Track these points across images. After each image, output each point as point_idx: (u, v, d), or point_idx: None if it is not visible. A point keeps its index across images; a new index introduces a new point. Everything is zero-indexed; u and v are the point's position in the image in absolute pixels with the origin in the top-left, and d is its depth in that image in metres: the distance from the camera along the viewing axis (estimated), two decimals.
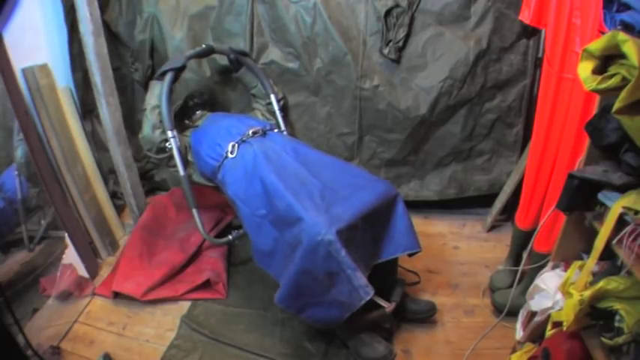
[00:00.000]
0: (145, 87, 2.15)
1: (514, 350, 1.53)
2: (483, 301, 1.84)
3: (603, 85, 0.96)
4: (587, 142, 1.19)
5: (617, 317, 1.05)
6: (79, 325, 1.75)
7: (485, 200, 2.29)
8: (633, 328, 1.01)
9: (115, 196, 2.32)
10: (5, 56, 1.60)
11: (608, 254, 1.11)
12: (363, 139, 2.22)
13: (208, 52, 1.94)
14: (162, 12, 2.12)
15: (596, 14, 1.27)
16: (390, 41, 1.98)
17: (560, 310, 1.22)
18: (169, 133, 1.79)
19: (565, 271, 1.32)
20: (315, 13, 2.00)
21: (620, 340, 1.03)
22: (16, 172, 1.76)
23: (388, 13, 1.95)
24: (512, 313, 1.59)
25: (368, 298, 1.38)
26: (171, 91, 1.81)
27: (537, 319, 1.39)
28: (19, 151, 1.75)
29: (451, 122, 2.13)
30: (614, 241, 1.04)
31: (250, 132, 1.74)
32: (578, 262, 1.25)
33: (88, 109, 2.19)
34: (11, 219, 1.79)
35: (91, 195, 2.08)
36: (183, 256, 1.95)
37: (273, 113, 2.06)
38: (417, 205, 2.28)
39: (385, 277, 1.62)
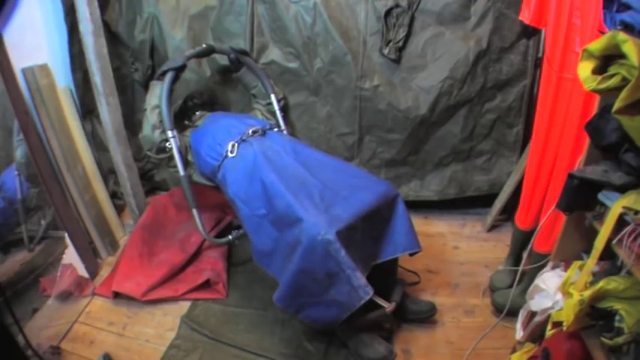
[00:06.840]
0: (145, 87, 2.16)
1: (514, 350, 1.53)
2: (483, 301, 1.84)
3: (603, 85, 0.96)
4: (587, 142, 1.18)
5: (617, 317, 1.05)
6: (79, 325, 1.75)
7: (485, 200, 2.29)
8: (633, 328, 1.01)
9: (115, 196, 2.32)
10: (5, 56, 1.60)
11: (608, 254, 1.11)
12: (363, 139, 2.22)
13: (209, 51, 1.95)
14: (163, 12, 2.12)
15: (596, 14, 1.27)
16: (390, 41, 1.98)
17: (560, 310, 1.22)
18: (169, 133, 1.79)
19: (565, 271, 1.32)
20: (315, 13, 2.00)
21: (620, 340, 1.03)
22: (16, 172, 1.76)
23: (388, 13, 1.95)
24: (512, 313, 1.58)
25: (367, 298, 1.38)
26: (171, 91, 1.82)
27: (537, 319, 1.39)
28: (19, 151, 1.75)
29: (451, 122, 2.13)
30: (614, 241, 1.04)
31: (250, 131, 1.74)
32: (578, 262, 1.25)
33: (88, 109, 2.19)
34: (11, 219, 1.79)
35: (91, 195, 2.08)
36: (183, 256, 1.95)
37: (273, 113, 2.07)
38: (417, 205, 2.28)
39: (385, 277, 1.62)
